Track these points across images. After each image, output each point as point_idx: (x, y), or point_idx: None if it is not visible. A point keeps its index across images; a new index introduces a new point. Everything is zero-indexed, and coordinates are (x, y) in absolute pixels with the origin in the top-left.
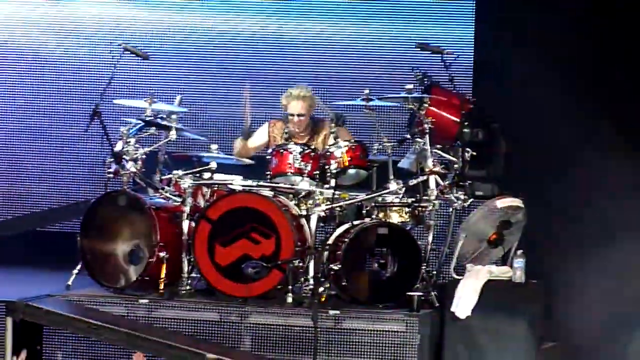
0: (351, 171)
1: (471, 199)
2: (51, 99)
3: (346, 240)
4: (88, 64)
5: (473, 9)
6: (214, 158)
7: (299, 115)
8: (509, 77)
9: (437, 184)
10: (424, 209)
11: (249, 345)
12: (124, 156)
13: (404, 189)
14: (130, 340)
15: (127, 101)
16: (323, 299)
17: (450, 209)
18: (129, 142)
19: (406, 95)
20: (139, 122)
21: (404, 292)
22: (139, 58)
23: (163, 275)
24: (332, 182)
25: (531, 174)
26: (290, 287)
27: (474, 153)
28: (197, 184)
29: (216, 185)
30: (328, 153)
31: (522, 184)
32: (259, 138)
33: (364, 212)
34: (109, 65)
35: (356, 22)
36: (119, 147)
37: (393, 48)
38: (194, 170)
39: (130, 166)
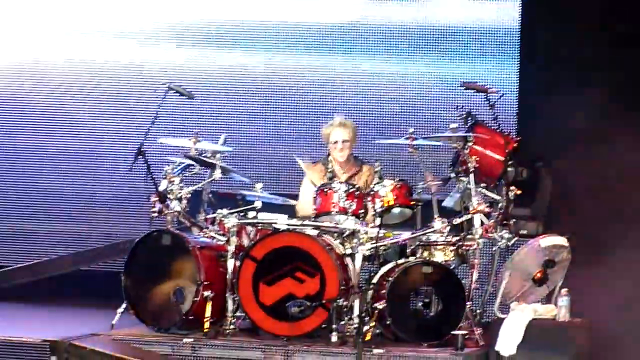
0: (396, 210)
1: (515, 238)
2: (96, 138)
3: (390, 279)
4: (133, 103)
5: (518, 46)
6: (259, 197)
7: (343, 141)
8: (553, 115)
9: (482, 223)
10: (468, 248)
11: None
12: (169, 195)
13: (448, 228)
14: None
15: (171, 140)
16: (367, 338)
17: (495, 248)
18: (173, 181)
19: (450, 134)
20: (183, 161)
21: (448, 331)
22: (184, 97)
23: (208, 314)
24: (377, 221)
25: (575, 212)
26: (334, 326)
27: (518, 192)
28: (241, 223)
29: (260, 225)
30: (372, 192)
31: (566, 222)
32: (307, 191)
33: (408, 251)
34: (153, 104)
35: (400, 60)
36: (163, 186)
37: (437, 87)
38: (239, 209)
39: (175, 205)
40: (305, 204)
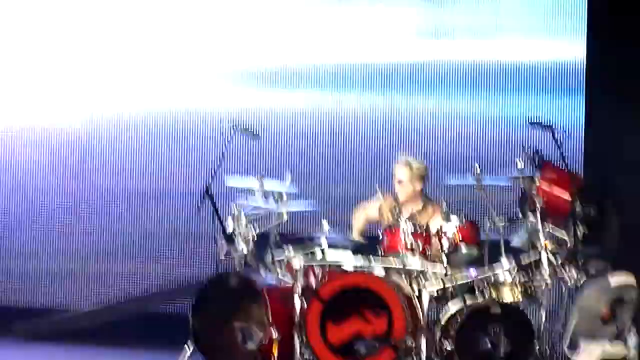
0: (463, 249)
1: (584, 277)
2: (163, 180)
3: (459, 319)
4: (200, 144)
5: (584, 84)
6: (326, 237)
7: (399, 180)
8: (621, 153)
9: (550, 262)
10: (536, 287)
11: None
12: (236, 237)
13: (516, 268)
14: None
15: (238, 181)
16: None
17: (563, 287)
18: (241, 222)
19: (517, 173)
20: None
21: None
22: (249, 137)
23: (275, 355)
24: (444, 261)
25: None
26: None
27: (587, 230)
28: (308, 264)
29: (327, 265)
30: (440, 232)
31: (635, 261)
32: (373, 212)
33: (476, 290)
34: (221, 144)
35: (466, 99)
36: (230, 227)
37: (504, 125)
38: (306, 249)
39: (242, 247)
40: (358, 213)
